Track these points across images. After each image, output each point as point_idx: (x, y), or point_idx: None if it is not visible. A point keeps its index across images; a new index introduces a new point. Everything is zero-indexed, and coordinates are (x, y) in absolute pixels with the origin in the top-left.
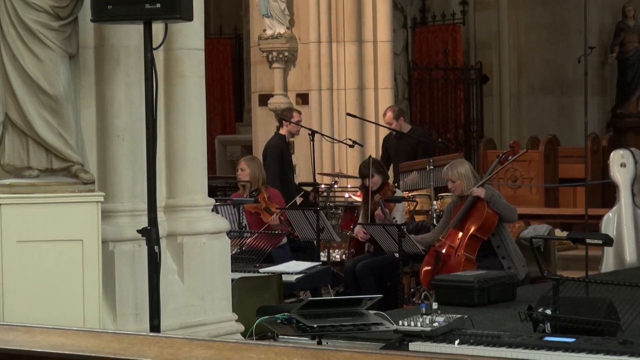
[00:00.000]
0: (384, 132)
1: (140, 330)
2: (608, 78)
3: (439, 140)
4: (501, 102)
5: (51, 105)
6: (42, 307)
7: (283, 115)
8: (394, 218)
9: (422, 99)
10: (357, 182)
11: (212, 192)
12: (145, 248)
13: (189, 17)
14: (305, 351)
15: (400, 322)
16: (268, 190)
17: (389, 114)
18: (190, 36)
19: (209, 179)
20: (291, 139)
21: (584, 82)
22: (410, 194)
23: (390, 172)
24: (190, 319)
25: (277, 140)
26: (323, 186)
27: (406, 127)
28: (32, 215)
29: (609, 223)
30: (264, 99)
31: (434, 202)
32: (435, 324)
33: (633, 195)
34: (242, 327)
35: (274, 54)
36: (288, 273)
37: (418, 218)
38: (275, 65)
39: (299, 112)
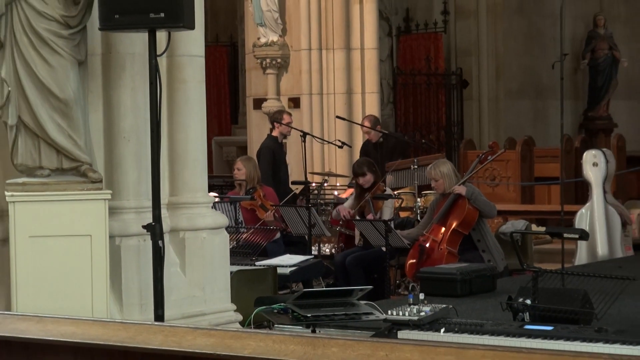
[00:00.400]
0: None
1: (145, 319)
2: (580, 83)
3: (422, 141)
4: (480, 105)
5: (61, 109)
6: (52, 298)
7: (274, 118)
8: (379, 216)
9: (406, 103)
10: (346, 181)
11: (208, 190)
12: (149, 243)
13: (191, 26)
14: (301, 339)
15: (390, 312)
16: (263, 189)
17: (367, 124)
18: (192, 44)
19: None
20: (284, 140)
21: (560, 86)
22: (395, 192)
23: None
24: (191, 309)
25: (269, 142)
26: (314, 184)
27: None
28: (43, 212)
29: (582, 219)
30: (258, 103)
31: (418, 200)
32: (422, 314)
33: (604, 192)
34: (240, 317)
35: (268, 60)
36: (283, 266)
37: (403, 214)
38: (268, 71)
39: (289, 114)
